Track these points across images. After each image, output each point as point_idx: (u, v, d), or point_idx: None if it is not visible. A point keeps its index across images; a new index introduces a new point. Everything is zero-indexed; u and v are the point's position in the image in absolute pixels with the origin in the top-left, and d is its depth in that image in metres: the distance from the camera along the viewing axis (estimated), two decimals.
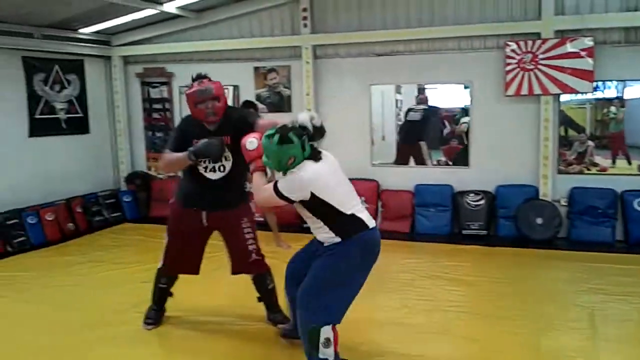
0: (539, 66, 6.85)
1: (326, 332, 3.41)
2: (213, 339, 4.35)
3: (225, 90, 7.21)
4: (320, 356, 3.41)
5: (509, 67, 6.99)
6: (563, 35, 6.82)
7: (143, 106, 9.31)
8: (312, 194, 3.39)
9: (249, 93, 8.48)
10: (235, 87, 8.59)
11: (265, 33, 8.20)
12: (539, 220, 6.92)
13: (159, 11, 7.65)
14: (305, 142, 3.45)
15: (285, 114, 7.98)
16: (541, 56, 6.83)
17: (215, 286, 5.51)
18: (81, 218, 8.08)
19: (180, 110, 8.96)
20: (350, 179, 7.71)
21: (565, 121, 7.12)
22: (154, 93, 9.23)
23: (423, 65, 7.56)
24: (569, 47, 6.73)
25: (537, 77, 6.88)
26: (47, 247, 7.31)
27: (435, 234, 7.37)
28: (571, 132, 7.12)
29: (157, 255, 6.61)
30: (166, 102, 9.13)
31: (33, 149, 7.93)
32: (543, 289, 5.37)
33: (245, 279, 4.56)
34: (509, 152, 7.32)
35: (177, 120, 8.99)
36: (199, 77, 4.58)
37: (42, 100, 8.04)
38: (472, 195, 7.35)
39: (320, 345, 3.41)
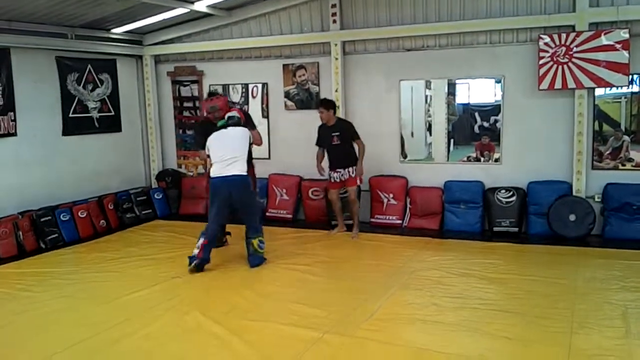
0: (573, 59, 6.70)
1: None
2: (242, 337, 4.37)
3: (256, 88, 7.50)
4: None
5: (542, 61, 6.85)
6: (598, 28, 6.67)
7: (174, 104, 9.42)
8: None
9: (277, 90, 8.51)
10: (264, 85, 8.63)
11: (295, 30, 8.22)
12: (572, 217, 6.78)
13: (189, 10, 7.73)
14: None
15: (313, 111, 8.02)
16: (575, 49, 6.68)
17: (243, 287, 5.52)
18: (113, 215, 8.22)
19: None
20: (378, 176, 7.81)
21: (600, 116, 6.96)
22: (185, 92, 9.33)
23: (454, 59, 7.48)
24: (604, 40, 6.57)
25: (571, 71, 6.73)
26: (79, 243, 7.46)
27: (465, 231, 7.29)
28: (606, 127, 6.96)
29: (187, 252, 6.75)
30: (196, 100, 9.22)
31: (66, 147, 8.10)
32: (576, 287, 5.26)
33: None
34: (541, 147, 7.19)
35: None
36: (211, 94, 6.92)
37: (75, 99, 8.20)
38: (503, 191, 7.25)
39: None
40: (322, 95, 8.12)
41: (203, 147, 6.34)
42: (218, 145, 6.17)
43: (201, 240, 6.01)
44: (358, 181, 7.21)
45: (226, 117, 6.31)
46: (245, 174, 6.13)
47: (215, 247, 6.35)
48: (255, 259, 6.18)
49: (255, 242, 6.18)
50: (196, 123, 8.00)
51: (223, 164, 6.06)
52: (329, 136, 7.17)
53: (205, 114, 6.53)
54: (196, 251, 5.99)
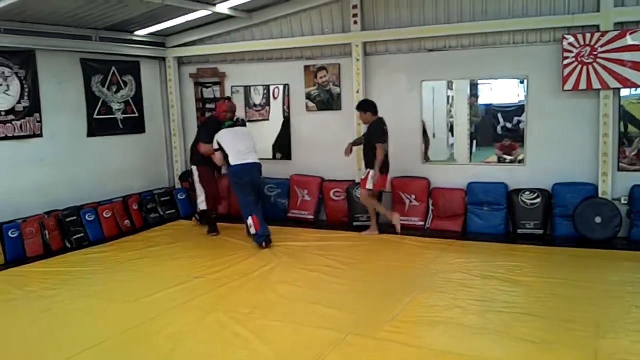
0: (598, 60, 6.60)
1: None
2: (263, 338, 4.38)
3: (277, 89, 7.60)
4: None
5: (566, 61, 6.76)
6: (623, 28, 6.56)
7: (196, 106, 9.48)
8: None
9: (299, 91, 8.53)
10: (286, 86, 8.65)
11: (316, 31, 8.22)
12: (598, 220, 6.68)
13: (211, 12, 7.78)
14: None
15: (335, 112, 8.04)
16: (600, 49, 6.58)
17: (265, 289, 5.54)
18: (137, 215, 8.30)
19: None
20: (401, 177, 7.77)
21: (626, 117, 6.85)
22: (207, 93, 9.40)
23: (476, 60, 7.42)
24: (630, 40, 6.47)
25: (596, 71, 6.64)
26: (104, 243, 7.55)
27: (488, 234, 7.22)
28: (631, 128, 6.84)
29: (210, 252, 6.80)
30: (218, 101, 9.26)
31: (91, 148, 8.21)
32: (602, 291, 5.17)
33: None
34: (566, 149, 7.10)
35: None
36: (226, 98, 7.91)
37: (100, 101, 8.31)
38: (527, 193, 7.16)
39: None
40: (343, 97, 8.16)
41: (209, 141, 7.27)
42: (233, 140, 7.19)
43: (250, 220, 6.93)
44: (368, 185, 7.08)
45: (235, 118, 7.45)
46: (259, 161, 7.27)
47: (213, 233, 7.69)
48: (258, 239, 6.99)
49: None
50: (204, 121, 8.45)
51: (240, 154, 7.08)
52: (363, 136, 7.36)
53: (221, 113, 7.42)
54: (253, 230, 6.92)
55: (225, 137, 7.21)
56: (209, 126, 7.54)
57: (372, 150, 7.05)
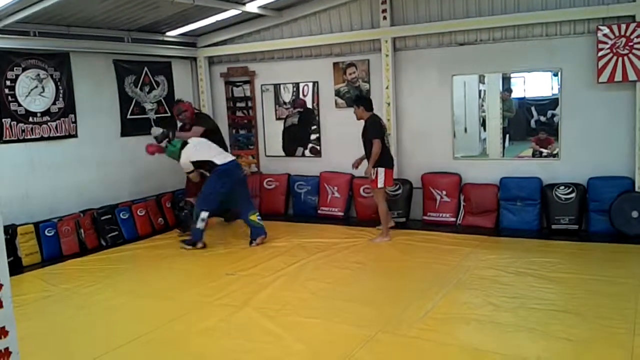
0: (634, 50, 6.43)
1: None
2: (294, 334, 4.40)
3: (306, 86, 7.60)
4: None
5: (601, 53, 6.60)
6: None
7: (227, 105, 9.55)
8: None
9: (328, 88, 8.52)
10: (315, 83, 8.66)
11: (345, 28, 8.20)
12: (635, 214, 6.51)
13: (241, 11, 7.83)
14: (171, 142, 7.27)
15: None
16: (636, 40, 6.41)
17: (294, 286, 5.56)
18: (170, 213, 8.41)
19: (263, 108, 9.15)
20: (431, 173, 7.68)
21: None
22: (237, 92, 9.46)
23: (508, 53, 7.29)
24: None
25: (631, 63, 6.46)
26: (138, 241, 7.68)
27: (522, 229, 7.10)
28: None
29: (242, 248, 6.85)
30: (248, 100, 9.33)
31: (125, 148, 8.34)
32: (638, 287, 5.04)
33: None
34: (601, 142, 6.93)
35: (259, 118, 9.26)
36: (178, 101, 8.21)
37: (132, 101, 8.45)
38: (562, 188, 7.02)
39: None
40: (373, 93, 8.08)
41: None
42: (204, 147, 7.21)
43: (205, 214, 6.94)
44: (379, 183, 6.93)
45: (178, 142, 7.21)
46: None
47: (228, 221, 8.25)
48: (261, 231, 7.11)
49: (255, 217, 7.14)
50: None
51: (223, 154, 7.17)
52: (362, 132, 7.11)
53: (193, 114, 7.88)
54: (201, 225, 6.96)
55: (194, 151, 7.10)
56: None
57: (371, 146, 6.91)
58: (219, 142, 7.77)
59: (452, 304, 4.83)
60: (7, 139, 6.90)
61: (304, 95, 8.81)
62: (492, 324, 4.38)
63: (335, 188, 8.42)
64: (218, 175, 7.00)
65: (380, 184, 6.94)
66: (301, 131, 8.92)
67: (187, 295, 5.42)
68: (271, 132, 9.20)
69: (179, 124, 8.04)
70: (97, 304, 5.34)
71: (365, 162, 7.09)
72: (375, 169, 6.90)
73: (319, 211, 8.49)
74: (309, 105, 8.76)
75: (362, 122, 7.01)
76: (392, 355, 3.99)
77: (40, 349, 4.30)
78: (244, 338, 4.37)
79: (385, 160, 6.96)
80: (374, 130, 6.92)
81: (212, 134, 7.72)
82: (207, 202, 7.01)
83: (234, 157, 7.32)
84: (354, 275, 5.77)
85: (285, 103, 8.95)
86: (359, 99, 7.29)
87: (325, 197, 8.50)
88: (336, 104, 8.50)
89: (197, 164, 7.10)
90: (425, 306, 4.73)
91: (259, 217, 7.20)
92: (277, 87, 9.01)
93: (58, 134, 7.46)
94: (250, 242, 7.09)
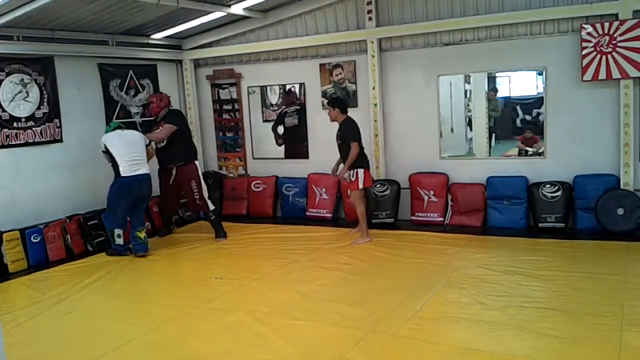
0: (618, 49, 6.49)
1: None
2: (284, 336, 4.39)
3: (293, 88, 7.67)
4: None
5: (585, 51, 6.66)
6: None
7: (213, 107, 9.53)
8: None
9: (315, 90, 8.52)
10: (302, 85, 8.65)
11: (330, 29, 8.20)
12: (621, 211, 6.57)
13: (226, 13, 7.81)
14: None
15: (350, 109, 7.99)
16: (619, 38, 6.47)
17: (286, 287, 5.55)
18: (158, 217, 8.35)
19: (250, 110, 9.12)
20: (419, 173, 7.71)
21: None
22: (224, 94, 9.43)
23: (493, 52, 7.33)
24: None
25: (615, 61, 6.53)
26: (125, 245, 7.59)
27: (509, 228, 7.14)
28: None
29: (230, 252, 6.82)
30: (235, 102, 9.31)
31: None
32: (626, 283, 5.09)
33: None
34: (587, 140, 6.99)
35: (245, 120, 9.22)
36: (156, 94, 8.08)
37: (118, 105, 8.39)
38: (548, 186, 7.07)
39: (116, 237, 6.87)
40: (359, 94, 8.10)
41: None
42: (129, 145, 6.91)
43: (120, 231, 6.93)
44: (360, 184, 6.94)
45: (115, 124, 7.24)
46: (149, 172, 7.05)
47: (161, 236, 7.98)
48: (144, 247, 7.00)
49: (142, 233, 7.02)
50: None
51: (134, 164, 6.84)
52: (336, 135, 7.12)
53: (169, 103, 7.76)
54: (120, 241, 6.97)
55: (116, 142, 6.92)
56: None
57: (347, 149, 6.90)
58: (188, 144, 7.75)
59: (441, 303, 4.85)
60: None
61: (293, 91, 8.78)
62: (481, 322, 4.41)
63: (324, 189, 8.42)
64: (118, 188, 6.87)
65: (360, 185, 6.95)
66: (302, 132, 8.82)
67: (176, 299, 5.40)
68: (259, 134, 9.18)
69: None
70: (86, 309, 5.30)
71: (342, 165, 7.09)
72: (355, 170, 6.91)
73: (307, 213, 8.48)
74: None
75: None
76: (383, 355, 4.01)
77: (28, 356, 4.26)
78: (234, 341, 4.36)
79: (363, 161, 6.99)
80: (352, 133, 6.93)
81: (183, 133, 7.62)
82: (116, 218, 6.93)
83: (146, 172, 6.96)
84: (344, 277, 5.77)
85: (272, 105, 8.93)
86: (335, 101, 7.29)
87: (313, 198, 8.49)
88: (323, 105, 8.49)
89: (108, 155, 6.91)
90: (415, 306, 4.75)
91: (145, 235, 7.07)
92: (263, 89, 9.00)
93: (43, 139, 7.38)
94: (130, 251, 7.08)
